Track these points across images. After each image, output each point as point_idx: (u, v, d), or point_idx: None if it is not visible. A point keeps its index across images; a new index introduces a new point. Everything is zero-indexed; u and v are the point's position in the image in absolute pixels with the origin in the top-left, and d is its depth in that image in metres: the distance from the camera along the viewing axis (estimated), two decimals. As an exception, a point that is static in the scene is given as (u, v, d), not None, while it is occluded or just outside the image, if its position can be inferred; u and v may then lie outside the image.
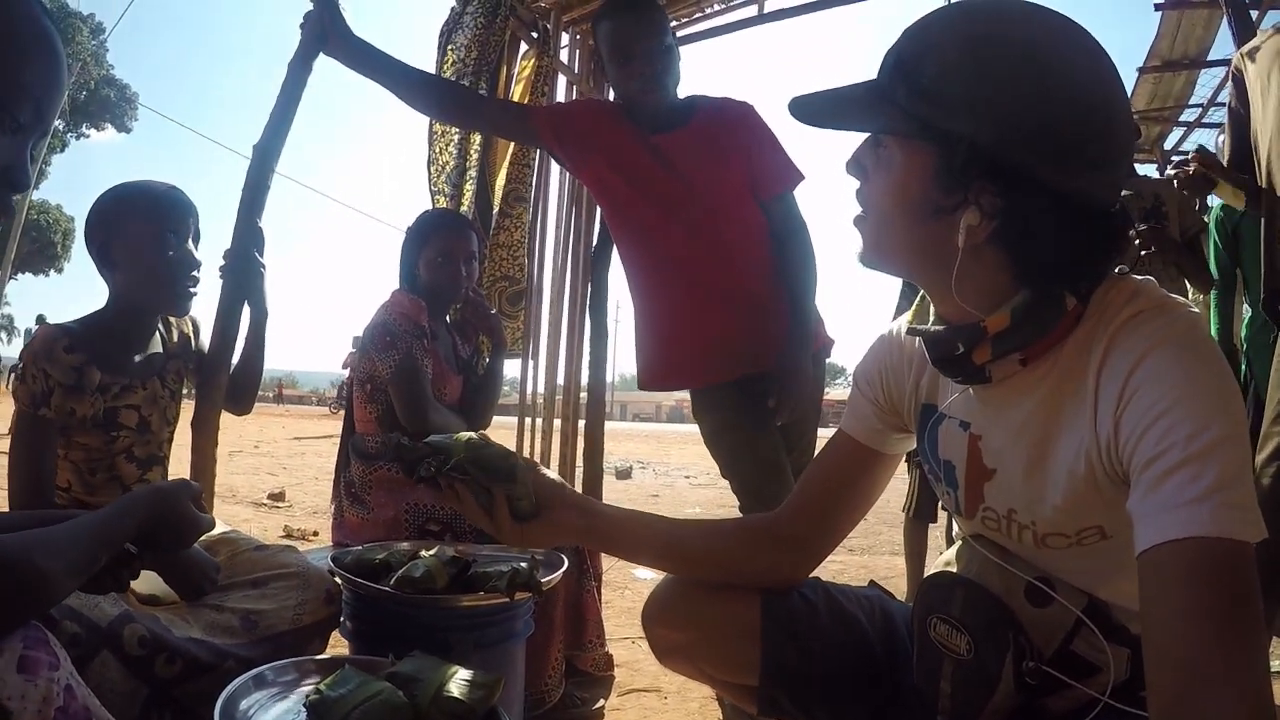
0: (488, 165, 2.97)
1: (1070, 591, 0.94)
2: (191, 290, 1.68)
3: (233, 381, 1.96)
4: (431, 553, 1.60)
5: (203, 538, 1.60)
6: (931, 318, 1.00)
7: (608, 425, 3.46)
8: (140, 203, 1.61)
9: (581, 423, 3.40)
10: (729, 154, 2.06)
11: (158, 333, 1.75)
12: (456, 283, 2.26)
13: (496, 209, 3.04)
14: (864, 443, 1.15)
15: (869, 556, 4.97)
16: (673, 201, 2.04)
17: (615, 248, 2.29)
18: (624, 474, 10.67)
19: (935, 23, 0.90)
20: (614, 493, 8.07)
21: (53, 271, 31.53)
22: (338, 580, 1.56)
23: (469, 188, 2.91)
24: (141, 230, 1.60)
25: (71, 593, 0.98)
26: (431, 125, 2.90)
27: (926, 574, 1.07)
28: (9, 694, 0.75)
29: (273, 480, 7.57)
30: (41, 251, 29.98)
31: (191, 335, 1.87)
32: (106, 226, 1.61)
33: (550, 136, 2.13)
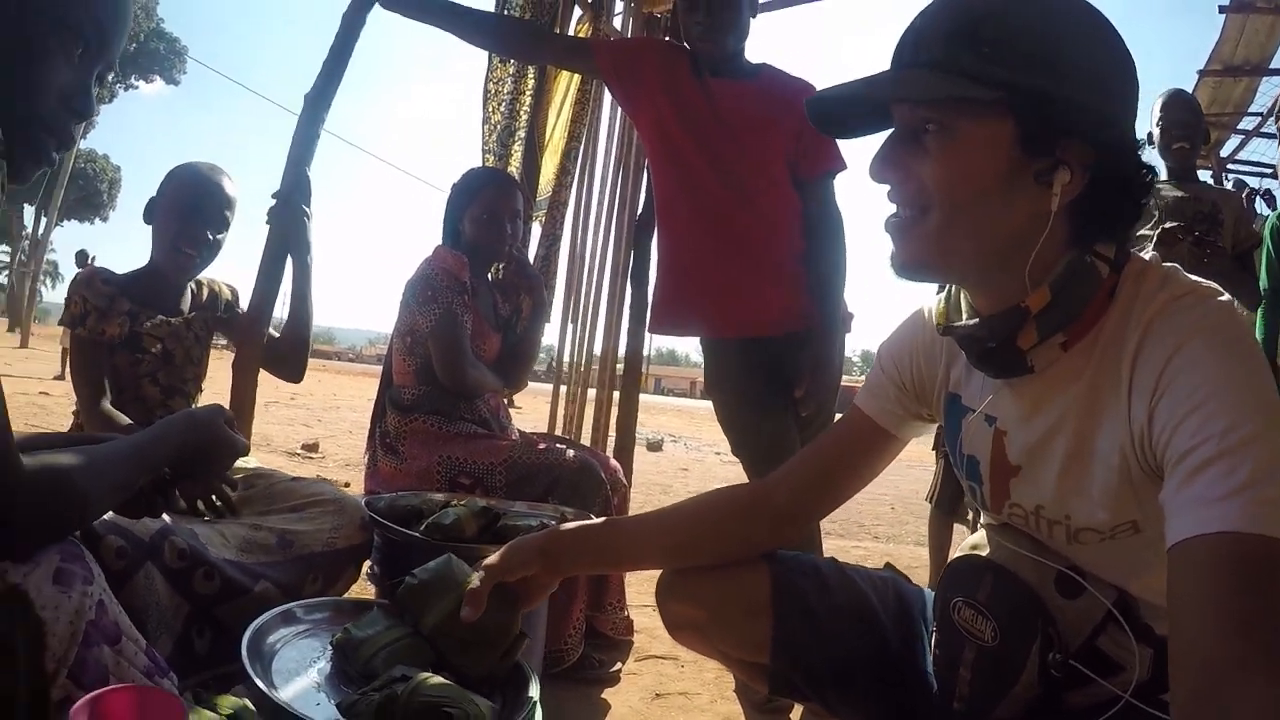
0: (536, 126, 2.97)
1: (1100, 585, 0.92)
2: (188, 250, 1.87)
3: (280, 344, 2.03)
4: (462, 503, 1.63)
5: (240, 474, 1.67)
6: (964, 313, 0.96)
7: (641, 398, 3.46)
8: (174, 188, 1.89)
9: (616, 393, 3.40)
10: (780, 121, 2.04)
11: (189, 291, 1.98)
12: (501, 239, 2.27)
13: (557, 166, 3.06)
14: (879, 423, 1.11)
15: (893, 545, 4.95)
16: (717, 151, 2.05)
17: (654, 191, 2.28)
18: (655, 446, 10.73)
19: None
20: (645, 464, 8.12)
21: (98, 219, 32.25)
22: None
23: (517, 148, 2.92)
24: (168, 210, 1.87)
25: (107, 512, 1.01)
26: (486, 85, 2.90)
27: (953, 556, 1.05)
28: (43, 604, 0.77)
29: (307, 432, 7.71)
30: (88, 200, 30.65)
31: (229, 298, 2.07)
32: (159, 192, 1.90)
33: (609, 68, 2.15)
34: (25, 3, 0.85)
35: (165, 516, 1.26)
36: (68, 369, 1.86)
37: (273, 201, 2.00)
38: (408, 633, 1.11)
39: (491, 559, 1.13)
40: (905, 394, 1.10)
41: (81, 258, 13.20)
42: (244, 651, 0.97)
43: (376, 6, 2.08)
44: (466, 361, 2.15)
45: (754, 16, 2.13)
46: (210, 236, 1.88)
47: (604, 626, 2.21)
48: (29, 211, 29.23)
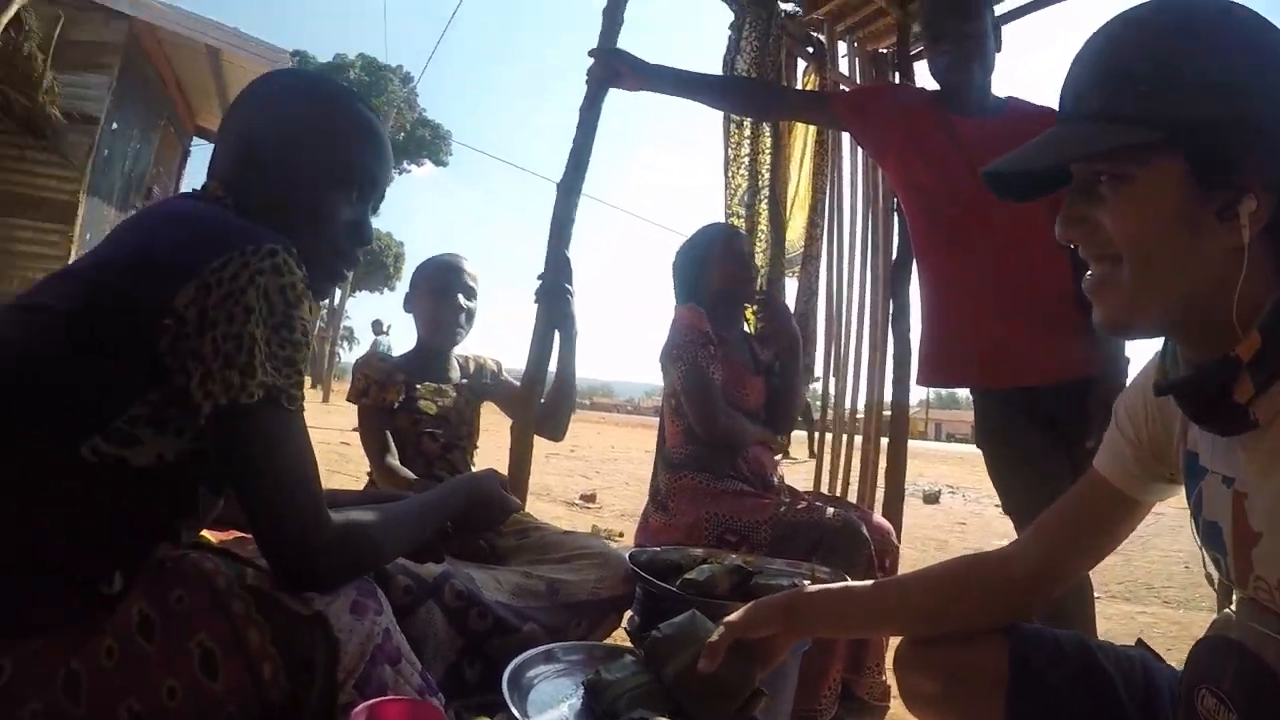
0: (778, 182, 3.06)
1: None
2: (455, 329, 2.21)
3: (546, 408, 2.26)
4: (720, 561, 1.68)
5: (515, 527, 1.86)
6: (1181, 368, 0.88)
7: (919, 445, 3.33)
8: (423, 275, 2.25)
9: (884, 441, 3.30)
10: None
11: (455, 363, 2.29)
12: (750, 276, 2.39)
13: (805, 219, 3.15)
14: (1117, 486, 1.03)
15: (1185, 611, 4.27)
16: (969, 195, 1.94)
17: (910, 237, 2.26)
18: (931, 498, 10.17)
19: (1120, 32, 0.82)
20: (920, 517, 7.71)
21: (385, 290, 36.70)
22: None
23: (763, 208, 3.02)
24: (423, 292, 2.23)
25: (398, 557, 1.21)
26: (726, 152, 3.03)
27: (1203, 635, 0.93)
28: (340, 628, 0.94)
29: (585, 483, 8.08)
30: (375, 272, 34.99)
31: (494, 369, 2.37)
32: (411, 285, 2.28)
33: (849, 116, 2.18)
34: (310, 170, 1.11)
35: (446, 562, 1.43)
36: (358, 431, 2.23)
37: (538, 282, 2.23)
38: (651, 680, 1.17)
39: (734, 616, 1.16)
40: (1142, 452, 1.01)
41: (377, 326, 15.27)
42: (505, 681, 1.10)
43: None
44: (718, 409, 2.22)
45: (999, 50, 2.05)
46: (464, 303, 2.19)
47: (860, 690, 2.15)
48: (326, 286, 33.97)
